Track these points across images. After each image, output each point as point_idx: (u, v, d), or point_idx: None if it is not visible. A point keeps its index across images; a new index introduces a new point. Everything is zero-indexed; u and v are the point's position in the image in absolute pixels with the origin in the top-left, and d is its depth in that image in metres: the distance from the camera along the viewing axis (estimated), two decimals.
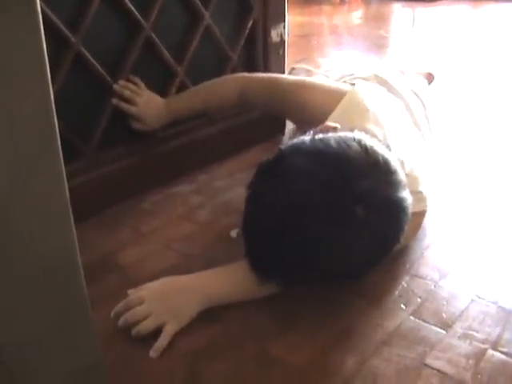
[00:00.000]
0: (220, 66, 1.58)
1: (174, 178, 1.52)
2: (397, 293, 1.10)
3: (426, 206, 1.18)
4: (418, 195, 1.15)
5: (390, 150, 1.00)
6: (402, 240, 0.98)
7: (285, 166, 0.93)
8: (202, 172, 1.57)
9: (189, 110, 1.46)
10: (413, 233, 1.20)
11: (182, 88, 1.49)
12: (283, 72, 1.71)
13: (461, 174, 1.58)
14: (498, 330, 1.00)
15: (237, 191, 1.47)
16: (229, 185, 1.52)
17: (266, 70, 1.64)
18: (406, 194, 0.94)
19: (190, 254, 1.22)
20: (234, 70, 1.59)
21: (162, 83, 1.46)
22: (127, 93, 1.36)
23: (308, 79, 1.30)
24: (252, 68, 1.63)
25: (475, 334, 0.99)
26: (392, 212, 0.92)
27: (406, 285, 1.13)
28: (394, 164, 0.94)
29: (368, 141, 0.95)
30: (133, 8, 1.31)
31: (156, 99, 1.43)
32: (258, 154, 1.63)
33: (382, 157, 0.94)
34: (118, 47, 1.33)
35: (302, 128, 1.30)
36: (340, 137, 0.95)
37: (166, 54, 1.42)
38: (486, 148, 1.77)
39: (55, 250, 0.65)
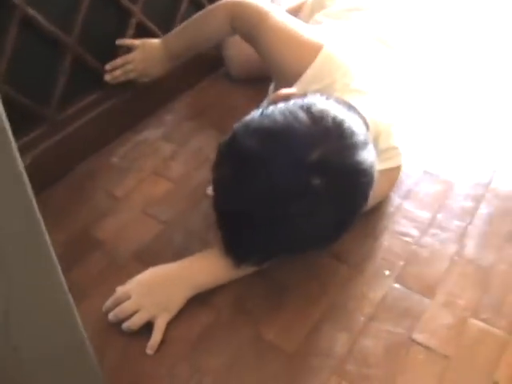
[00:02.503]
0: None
1: (140, 122, 1.46)
2: (379, 256, 1.13)
3: (401, 161, 1.18)
4: (392, 151, 1.16)
5: (361, 107, 1.03)
6: (376, 198, 1.03)
7: (238, 149, 0.93)
8: (167, 111, 1.50)
9: (188, 49, 1.39)
10: (388, 188, 1.21)
11: (140, 28, 1.37)
12: None
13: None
14: (477, 295, 1.05)
15: (205, 133, 1.43)
16: (196, 125, 1.47)
17: None
18: (366, 155, 0.93)
19: (168, 222, 1.21)
20: None
21: (118, 27, 1.35)
22: (118, 72, 1.35)
23: (288, 26, 1.20)
24: None
25: (457, 300, 1.04)
26: (351, 176, 0.92)
27: (387, 244, 1.15)
28: (351, 125, 0.93)
29: (319, 104, 0.94)
30: None
31: (153, 50, 1.37)
32: (215, 83, 1.60)
33: (334, 121, 0.92)
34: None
35: (278, 84, 1.23)
36: (288, 108, 0.93)
37: None
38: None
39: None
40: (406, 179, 1.28)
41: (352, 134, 0.92)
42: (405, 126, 1.27)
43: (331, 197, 0.90)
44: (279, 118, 0.92)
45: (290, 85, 1.12)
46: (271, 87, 1.32)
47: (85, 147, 1.34)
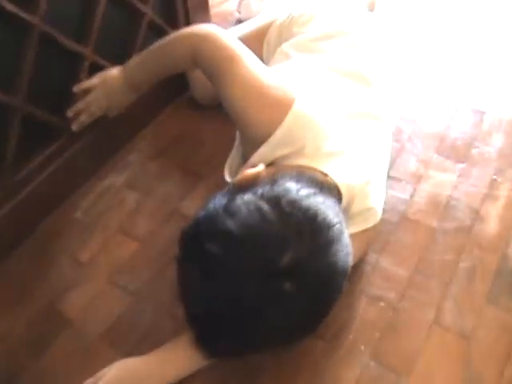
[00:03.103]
0: (134, 26, 1.34)
1: (103, 166, 1.38)
2: (354, 327, 1.09)
3: (377, 219, 1.12)
4: (368, 212, 1.10)
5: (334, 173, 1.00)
6: (353, 261, 0.96)
7: (203, 251, 0.86)
8: (130, 150, 1.43)
9: (150, 79, 1.30)
10: (364, 250, 1.16)
11: (94, 69, 1.27)
12: (207, 13, 1.46)
13: None
14: (455, 371, 1.02)
15: (171, 178, 1.37)
16: (160, 168, 1.39)
17: (188, 16, 1.40)
18: (341, 249, 0.88)
19: (136, 293, 1.16)
20: (152, 24, 1.36)
21: (70, 72, 1.24)
22: (83, 117, 1.28)
23: (255, 75, 1.09)
24: (172, 17, 1.39)
25: (435, 378, 1.02)
26: (325, 277, 0.87)
27: (362, 312, 1.11)
28: (325, 216, 0.87)
29: (289, 195, 0.88)
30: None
31: (113, 83, 1.28)
32: (179, 111, 1.51)
33: (306, 215, 0.86)
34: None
35: (242, 136, 1.15)
36: (255, 204, 0.86)
37: (67, 42, 1.19)
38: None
39: None
40: (384, 226, 1.22)
41: (325, 227, 0.86)
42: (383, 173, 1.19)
43: (305, 297, 0.85)
44: (245, 217, 0.85)
45: (254, 143, 1.04)
46: (238, 134, 1.24)
47: (46, 205, 1.28)
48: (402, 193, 1.31)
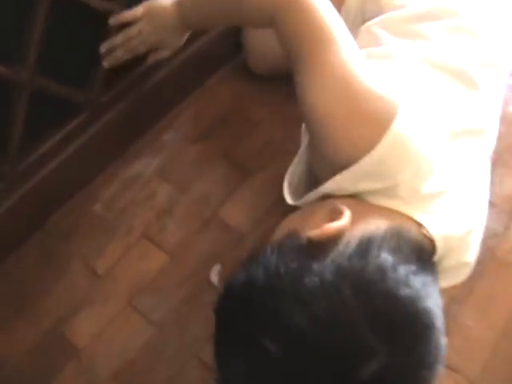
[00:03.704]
0: None
1: (131, 146, 1.14)
2: None
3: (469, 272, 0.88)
4: (464, 267, 0.86)
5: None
6: None
7: (253, 342, 0.63)
8: (165, 127, 1.17)
9: (206, 24, 1.06)
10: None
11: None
12: None
13: None
14: None
15: (213, 170, 1.13)
16: (201, 155, 1.14)
17: None
18: (437, 357, 0.66)
19: (160, 323, 0.96)
20: None
21: (92, 36, 0.98)
22: (119, 53, 1.01)
23: (352, 73, 0.77)
24: None
25: None
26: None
27: None
28: (427, 312, 0.64)
29: (383, 282, 0.63)
30: None
31: (163, 18, 1.00)
32: (228, 81, 1.23)
33: (402, 315, 0.64)
34: None
35: (315, 155, 0.88)
36: (334, 285, 0.62)
37: None
38: None
39: None
40: None
41: (426, 332, 0.63)
42: None
43: None
44: (321, 310, 0.61)
45: (330, 164, 0.78)
46: (305, 138, 0.96)
47: (58, 195, 1.06)
48: (493, 222, 1.05)
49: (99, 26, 0.95)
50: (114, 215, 1.07)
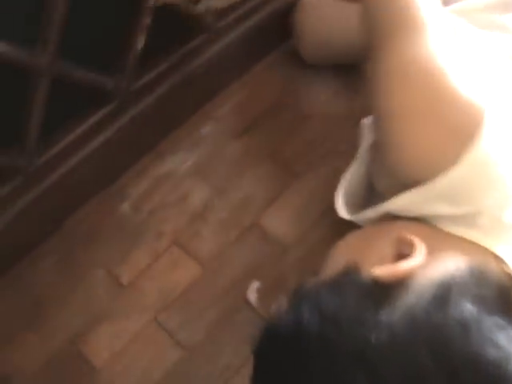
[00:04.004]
0: None
1: (165, 139, 1.02)
2: None
3: None
4: None
5: None
6: None
7: None
8: (204, 119, 1.04)
9: None
10: None
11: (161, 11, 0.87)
12: None
13: None
14: None
15: (256, 171, 0.99)
16: (243, 152, 1.01)
17: None
18: None
19: (189, 345, 0.85)
20: None
21: (126, 17, 0.86)
22: None
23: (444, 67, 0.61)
24: None
25: None
26: None
27: None
28: None
29: (469, 347, 0.49)
30: None
31: None
32: (276, 68, 1.08)
33: (487, 367, 0.49)
34: None
35: (378, 164, 0.75)
36: (410, 348, 0.49)
37: None
38: None
39: None
40: None
41: None
42: None
43: None
44: (390, 369, 0.49)
45: (398, 178, 0.64)
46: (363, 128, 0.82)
47: (81, 193, 0.95)
48: None
49: (131, 2, 0.83)
50: (142, 218, 0.95)
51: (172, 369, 0.83)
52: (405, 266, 0.54)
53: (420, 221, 0.64)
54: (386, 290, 0.52)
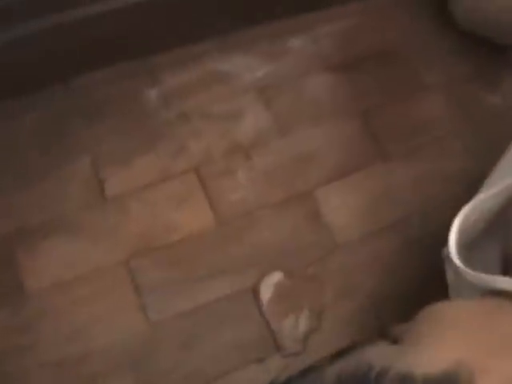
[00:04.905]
0: None
1: (240, 31, 0.73)
2: None
3: None
4: None
5: None
6: None
7: None
8: (297, 29, 0.75)
9: None
10: None
11: None
12: None
13: None
14: None
15: (325, 134, 0.71)
16: (325, 93, 0.73)
17: None
18: None
19: (160, 326, 0.59)
20: None
21: None
22: None
23: None
24: None
25: None
26: None
27: None
28: None
29: None
30: None
31: None
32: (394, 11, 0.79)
33: None
34: None
35: None
36: None
37: None
38: None
39: None
40: None
41: None
42: None
43: None
44: None
45: None
46: None
47: (109, 52, 0.67)
48: None
49: None
50: (167, 118, 0.68)
51: (128, 340, 0.58)
52: None
53: None
54: None
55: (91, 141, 0.64)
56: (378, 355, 0.36)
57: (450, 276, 0.56)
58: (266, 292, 0.61)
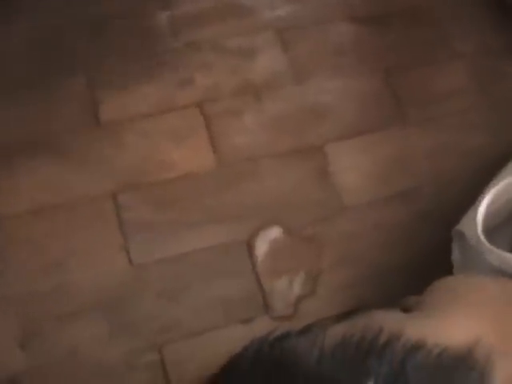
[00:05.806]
0: None
1: None
2: None
3: None
4: None
5: None
6: None
7: None
8: None
9: None
10: None
11: None
12: None
13: None
14: None
15: (344, 90, 0.66)
16: (346, 45, 0.68)
17: None
18: None
19: (144, 270, 0.54)
20: None
21: None
22: None
23: None
24: None
25: None
26: None
27: None
28: None
29: None
30: None
31: None
32: None
33: None
34: None
35: None
36: None
37: None
38: None
39: None
40: None
41: None
42: None
43: None
44: None
45: None
46: None
47: None
48: None
49: None
50: (176, 46, 0.62)
51: (106, 281, 0.53)
52: None
53: None
54: None
55: (89, 57, 0.58)
56: (389, 319, 0.32)
57: (455, 256, 0.53)
58: (262, 247, 0.56)
